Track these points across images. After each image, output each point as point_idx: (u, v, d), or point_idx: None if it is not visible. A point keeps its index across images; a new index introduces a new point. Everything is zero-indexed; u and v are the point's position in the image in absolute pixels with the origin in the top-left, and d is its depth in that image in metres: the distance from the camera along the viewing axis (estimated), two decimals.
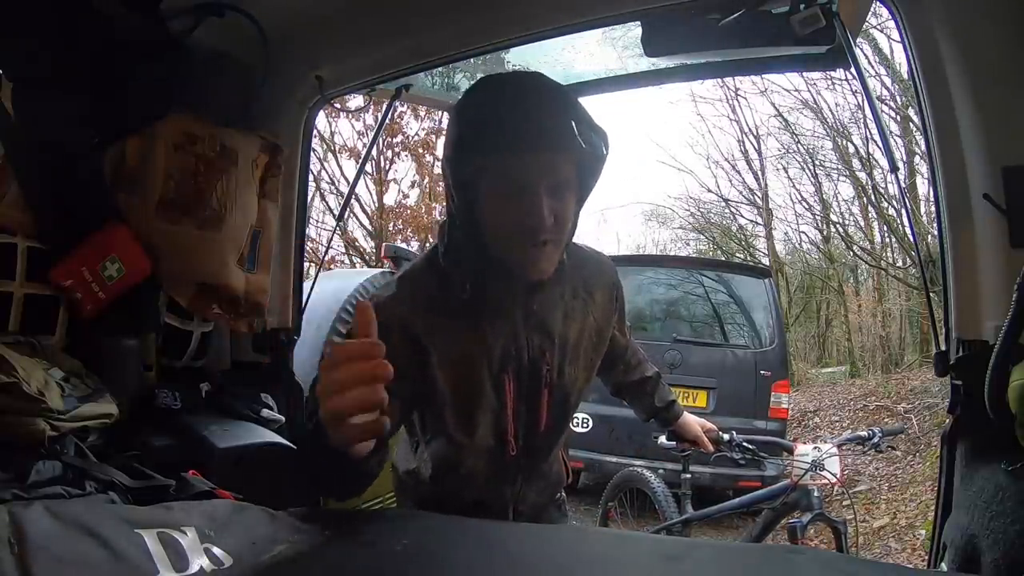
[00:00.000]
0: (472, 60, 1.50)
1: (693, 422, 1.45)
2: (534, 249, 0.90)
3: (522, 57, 1.58)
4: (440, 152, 0.98)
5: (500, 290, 0.96)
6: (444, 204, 1.00)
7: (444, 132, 0.97)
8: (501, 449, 1.01)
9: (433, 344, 0.94)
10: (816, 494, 2.09)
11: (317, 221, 9.18)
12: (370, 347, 0.63)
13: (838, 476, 2.08)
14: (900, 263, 9.13)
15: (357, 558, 0.70)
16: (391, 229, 10.48)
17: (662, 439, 2.03)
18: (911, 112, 6.89)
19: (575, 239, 1.10)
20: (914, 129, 7.00)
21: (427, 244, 9.73)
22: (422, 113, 9.74)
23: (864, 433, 2.10)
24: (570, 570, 0.68)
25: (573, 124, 0.86)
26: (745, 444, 2.04)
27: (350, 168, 10.38)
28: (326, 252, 6.67)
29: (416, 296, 0.96)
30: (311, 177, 2.15)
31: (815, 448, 2.10)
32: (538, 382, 1.00)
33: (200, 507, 0.74)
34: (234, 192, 1.38)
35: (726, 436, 1.95)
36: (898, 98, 7.31)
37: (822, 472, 2.06)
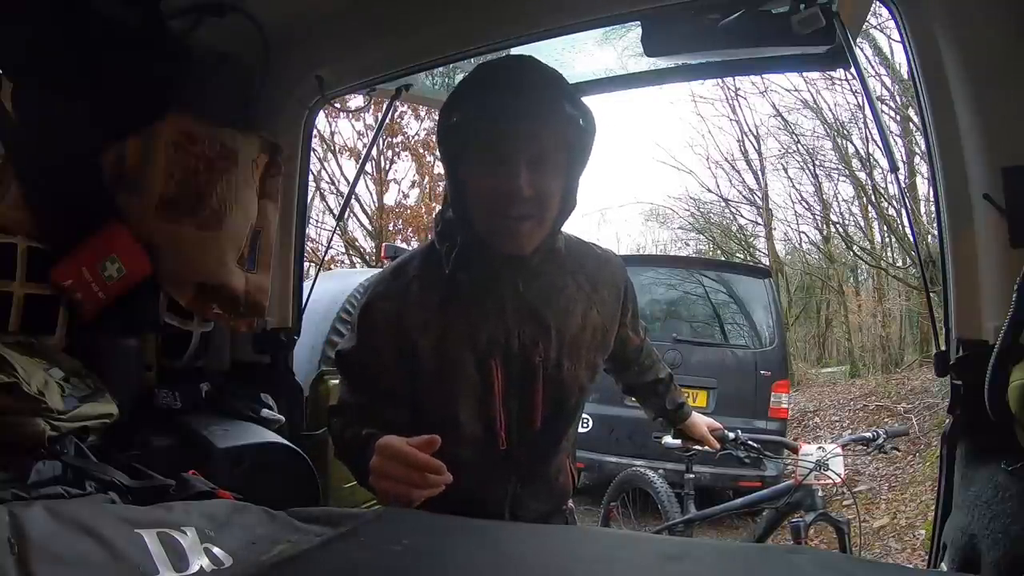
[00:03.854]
0: (472, 60, 1.50)
1: (700, 422, 1.45)
2: (511, 221, 0.90)
3: None
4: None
5: (485, 269, 0.96)
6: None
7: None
8: (490, 441, 0.99)
9: (422, 329, 0.96)
10: (820, 494, 2.09)
11: (317, 221, 9.21)
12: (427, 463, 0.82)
13: (842, 476, 2.08)
14: (900, 263, 9.14)
15: (357, 558, 0.69)
16: (391, 229, 10.48)
17: (667, 439, 2.03)
18: (911, 112, 6.89)
19: (586, 238, 1.11)
20: (914, 129, 7.00)
21: None
22: (422, 113, 9.75)
23: (868, 434, 2.10)
24: (570, 570, 0.67)
25: (556, 99, 0.89)
26: (750, 443, 2.04)
27: (350, 168, 10.39)
28: (326, 252, 6.69)
29: (407, 286, 0.98)
30: (311, 177, 2.15)
31: (819, 448, 2.09)
32: (531, 373, 0.98)
33: (200, 507, 0.74)
34: (234, 192, 1.38)
35: (731, 435, 1.95)
36: (898, 98, 7.32)
37: (826, 472, 2.05)
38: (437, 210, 1.03)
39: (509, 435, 0.99)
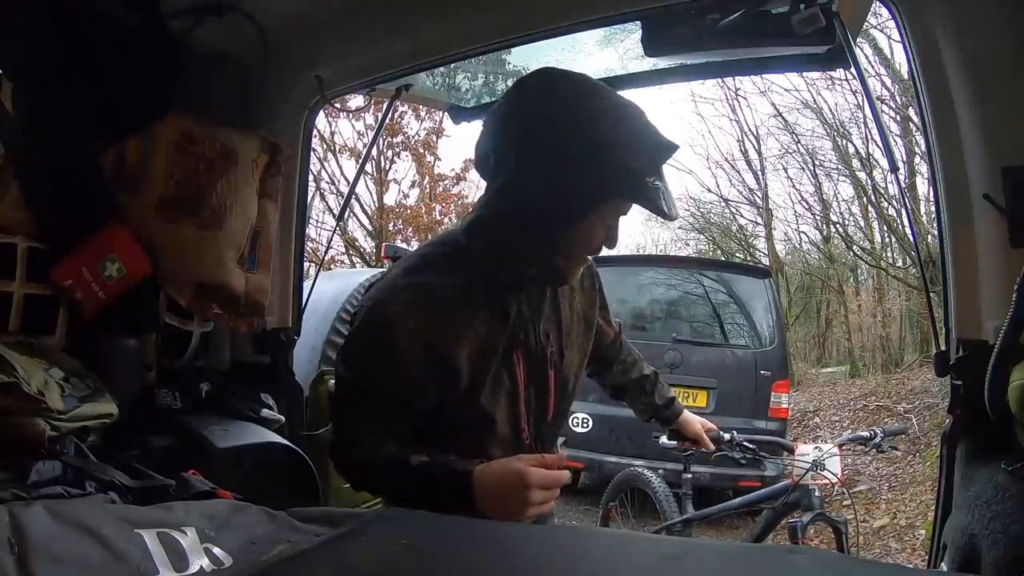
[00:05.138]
0: (472, 60, 1.50)
1: (694, 420, 1.44)
2: (586, 262, 0.98)
3: (522, 57, 1.58)
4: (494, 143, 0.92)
5: (523, 277, 0.97)
6: (498, 190, 0.92)
7: (568, 116, 0.86)
8: (517, 436, 1.00)
9: (453, 342, 0.92)
10: (817, 494, 2.09)
11: (317, 221, 9.21)
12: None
13: (839, 476, 2.08)
14: (900, 263, 9.15)
15: (357, 558, 0.70)
16: (391, 229, 10.48)
17: (663, 439, 2.03)
18: (911, 112, 6.90)
19: None
20: (914, 129, 7.01)
21: None
22: (422, 113, 9.74)
23: (866, 434, 2.10)
24: (570, 570, 0.68)
25: None
26: (746, 443, 2.04)
27: (350, 168, 10.39)
28: (326, 252, 6.68)
29: (429, 298, 0.92)
30: (311, 177, 2.15)
31: (816, 448, 2.10)
32: (544, 367, 1.01)
33: (200, 507, 0.75)
34: (234, 192, 1.38)
35: (727, 435, 1.95)
36: (898, 98, 7.32)
37: (823, 472, 2.06)
38: (479, 214, 0.96)
39: (530, 429, 1.01)
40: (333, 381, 1.68)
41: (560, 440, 1.16)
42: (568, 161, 0.85)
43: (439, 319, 0.91)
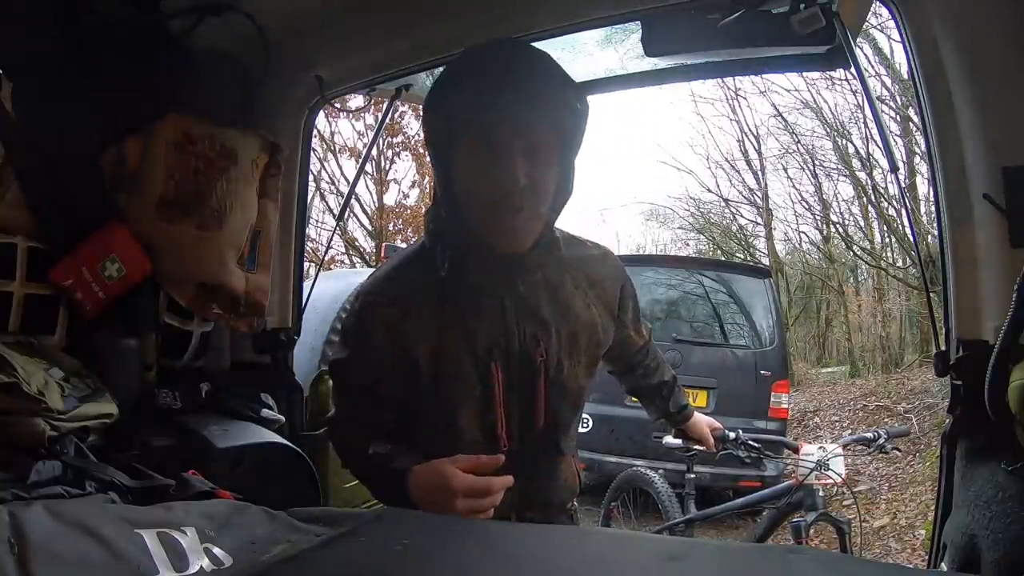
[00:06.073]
0: None
1: (700, 421, 1.45)
2: (507, 217, 0.87)
3: None
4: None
5: (482, 268, 0.93)
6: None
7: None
8: (492, 443, 0.96)
9: (421, 335, 0.93)
10: (821, 494, 2.09)
11: (317, 221, 9.20)
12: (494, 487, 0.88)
13: (842, 476, 2.08)
14: (900, 263, 9.15)
15: (357, 558, 0.70)
16: (391, 229, 10.49)
17: (668, 439, 2.04)
18: (911, 112, 6.90)
19: (585, 237, 1.10)
20: (914, 129, 7.00)
21: None
22: (422, 113, 9.74)
23: (869, 434, 2.09)
24: (570, 570, 0.67)
25: (547, 82, 0.86)
26: (750, 443, 2.04)
27: (350, 168, 10.39)
28: (326, 252, 6.68)
29: (401, 290, 0.95)
30: (311, 177, 2.15)
31: (820, 448, 2.09)
32: (532, 373, 0.96)
33: (200, 507, 0.75)
34: (234, 192, 1.38)
35: (732, 435, 1.95)
36: (898, 98, 7.32)
37: (826, 472, 2.05)
38: (426, 209, 1.01)
39: (510, 436, 0.97)
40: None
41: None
42: (424, 116, 0.95)
43: (408, 312, 0.94)
